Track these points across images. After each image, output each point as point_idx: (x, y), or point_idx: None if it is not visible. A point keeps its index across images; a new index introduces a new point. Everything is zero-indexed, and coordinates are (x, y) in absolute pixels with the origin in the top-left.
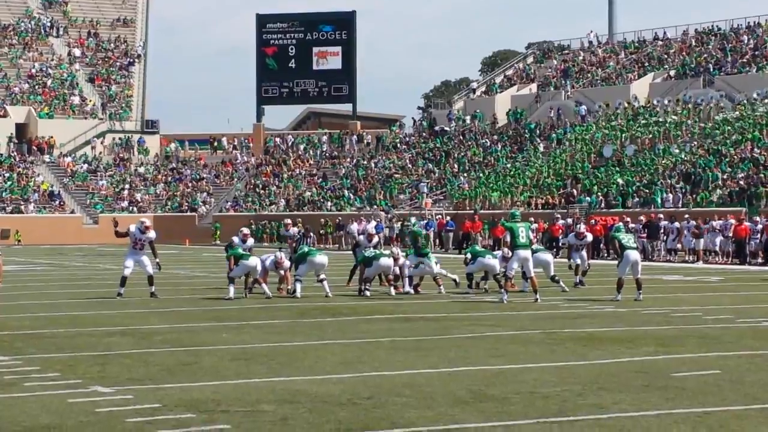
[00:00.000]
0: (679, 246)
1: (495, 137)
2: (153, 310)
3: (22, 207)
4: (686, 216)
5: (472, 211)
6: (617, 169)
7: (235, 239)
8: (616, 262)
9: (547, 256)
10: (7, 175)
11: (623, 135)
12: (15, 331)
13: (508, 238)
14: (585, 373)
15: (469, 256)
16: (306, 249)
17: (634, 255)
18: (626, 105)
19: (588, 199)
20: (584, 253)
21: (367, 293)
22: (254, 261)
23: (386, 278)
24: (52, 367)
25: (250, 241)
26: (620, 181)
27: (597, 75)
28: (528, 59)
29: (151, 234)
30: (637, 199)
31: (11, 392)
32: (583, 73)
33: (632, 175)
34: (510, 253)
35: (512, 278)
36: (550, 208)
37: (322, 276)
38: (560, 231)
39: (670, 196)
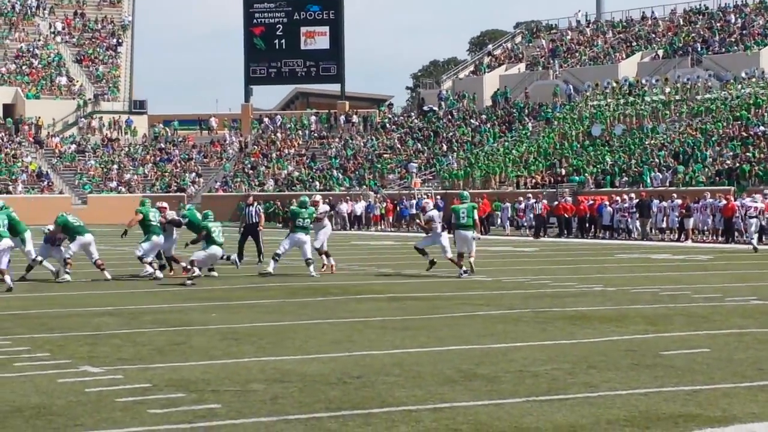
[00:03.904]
0: (663, 225)
1: (483, 117)
2: (142, 290)
3: (10, 187)
4: (673, 195)
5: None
6: (606, 148)
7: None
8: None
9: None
10: None
11: (611, 114)
12: (3, 312)
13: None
14: (574, 352)
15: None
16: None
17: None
18: (614, 84)
19: (577, 178)
20: None
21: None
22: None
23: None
24: (42, 347)
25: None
26: (609, 160)
27: (585, 54)
28: (516, 39)
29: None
30: (625, 178)
31: (1, 372)
32: (571, 53)
33: (621, 155)
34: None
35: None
36: (539, 187)
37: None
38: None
39: (659, 175)
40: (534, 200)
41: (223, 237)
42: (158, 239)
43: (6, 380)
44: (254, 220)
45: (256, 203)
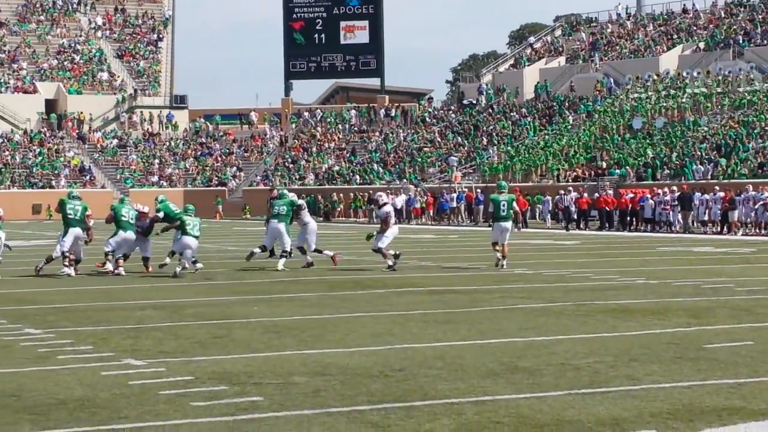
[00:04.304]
0: (705, 218)
1: (524, 110)
2: (184, 283)
3: (53, 182)
4: (715, 188)
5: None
6: (647, 141)
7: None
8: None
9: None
10: (37, 150)
11: (652, 107)
12: (47, 305)
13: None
14: (616, 345)
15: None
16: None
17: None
18: (655, 77)
19: (618, 171)
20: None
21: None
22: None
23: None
24: (85, 340)
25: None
26: (650, 153)
27: (625, 48)
28: (556, 32)
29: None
30: (667, 171)
31: (45, 365)
32: (611, 46)
33: (662, 147)
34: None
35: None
36: (580, 180)
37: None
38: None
39: (701, 168)
40: (565, 193)
41: (199, 231)
42: (126, 234)
43: (50, 373)
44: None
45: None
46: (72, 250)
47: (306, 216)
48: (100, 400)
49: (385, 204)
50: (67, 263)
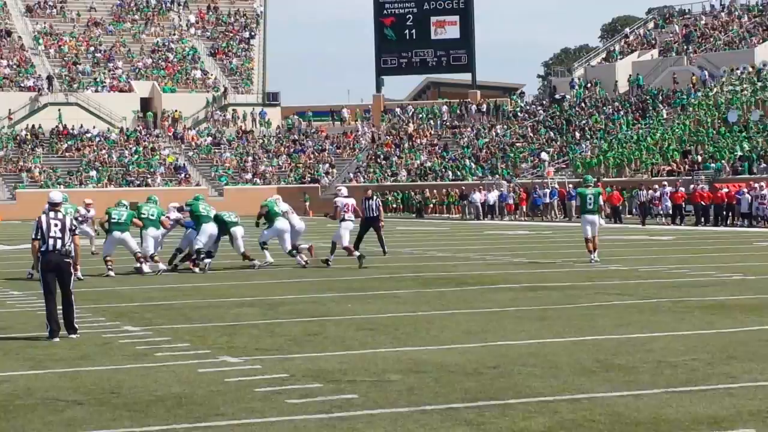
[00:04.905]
0: None
1: (617, 104)
2: (278, 281)
3: (149, 180)
4: None
5: (595, 179)
6: (743, 134)
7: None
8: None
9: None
10: (133, 148)
11: (747, 100)
12: (145, 303)
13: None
14: (714, 342)
15: None
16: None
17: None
18: (750, 69)
19: (713, 165)
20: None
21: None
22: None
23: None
24: (182, 338)
25: (93, 212)
26: (746, 146)
27: (719, 39)
28: (648, 25)
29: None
30: (764, 164)
31: (143, 362)
32: (705, 38)
33: (758, 141)
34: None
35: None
36: (675, 175)
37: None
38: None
39: None
40: (661, 188)
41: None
42: (116, 235)
43: (148, 370)
44: (374, 214)
45: (375, 197)
46: (108, 252)
47: (294, 219)
48: (197, 397)
49: (341, 195)
50: (110, 266)
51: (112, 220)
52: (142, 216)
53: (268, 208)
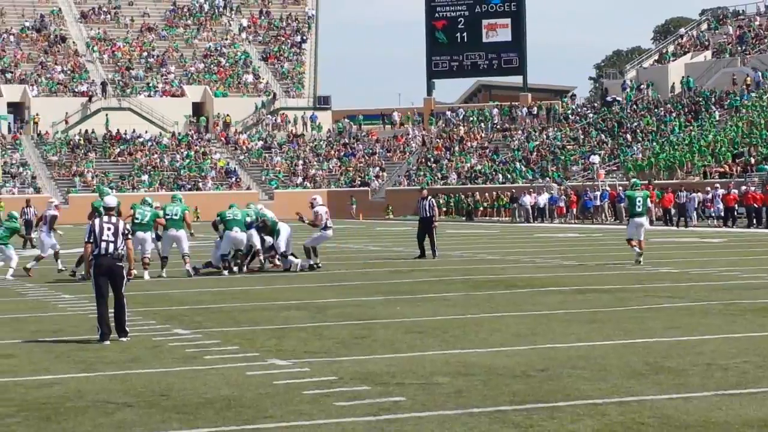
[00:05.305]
0: None
1: (669, 106)
2: (326, 284)
3: (200, 184)
4: None
5: (646, 182)
6: None
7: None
8: None
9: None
10: (185, 153)
11: None
12: (195, 306)
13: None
14: (765, 345)
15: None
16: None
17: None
18: None
19: (766, 167)
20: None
21: None
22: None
23: None
24: (231, 341)
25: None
26: None
27: None
28: (702, 26)
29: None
30: None
31: (193, 365)
32: (759, 39)
33: None
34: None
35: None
36: (727, 177)
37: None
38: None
39: None
40: (713, 190)
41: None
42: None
43: (198, 373)
44: (428, 214)
45: (430, 197)
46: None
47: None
48: (245, 400)
49: (318, 204)
50: (143, 267)
51: (135, 221)
52: (166, 216)
53: (221, 217)
